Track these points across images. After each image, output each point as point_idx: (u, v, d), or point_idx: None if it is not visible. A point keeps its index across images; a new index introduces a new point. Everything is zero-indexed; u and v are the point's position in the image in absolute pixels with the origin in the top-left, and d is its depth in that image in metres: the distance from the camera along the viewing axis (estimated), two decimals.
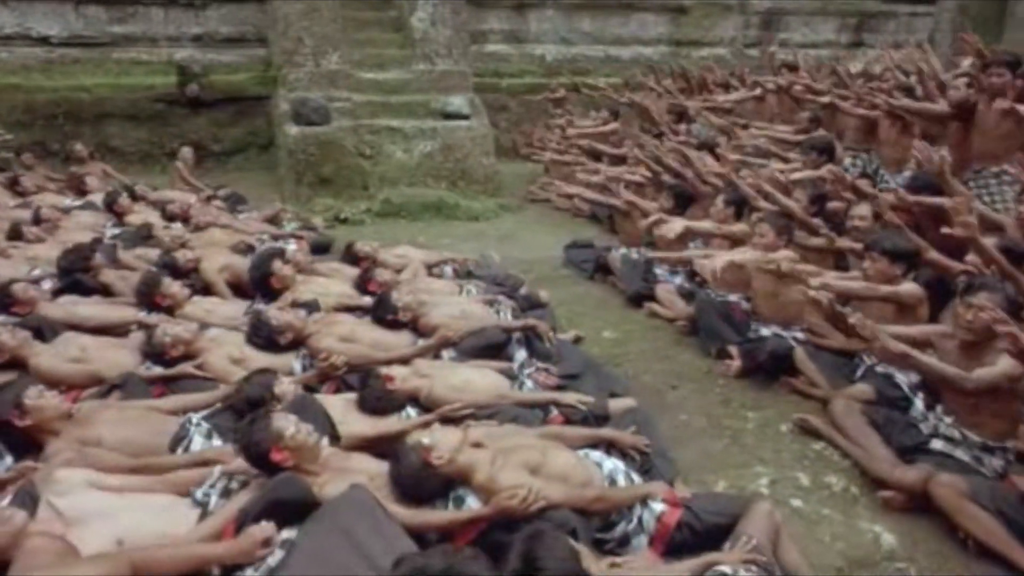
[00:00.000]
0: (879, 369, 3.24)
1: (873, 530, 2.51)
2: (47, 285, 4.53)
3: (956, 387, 2.52)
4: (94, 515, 2.04)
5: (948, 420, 2.81)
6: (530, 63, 12.74)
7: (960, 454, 2.71)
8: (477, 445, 2.33)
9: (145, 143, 10.25)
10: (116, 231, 6.00)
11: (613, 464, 2.50)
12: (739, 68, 9.07)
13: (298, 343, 3.45)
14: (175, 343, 3.27)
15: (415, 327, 3.68)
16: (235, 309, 4.22)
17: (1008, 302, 2.62)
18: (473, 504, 2.24)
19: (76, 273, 4.59)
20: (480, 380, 3.06)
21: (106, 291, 4.55)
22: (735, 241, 4.34)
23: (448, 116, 8.47)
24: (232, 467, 2.26)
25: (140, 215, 6.48)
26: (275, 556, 1.89)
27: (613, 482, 2.43)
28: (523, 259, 5.92)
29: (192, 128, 10.37)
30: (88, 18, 11.04)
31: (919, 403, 3.09)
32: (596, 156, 7.32)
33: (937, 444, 2.78)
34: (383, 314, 3.64)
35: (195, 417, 2.70)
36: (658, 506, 2.34)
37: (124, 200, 6.49)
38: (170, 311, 4.01)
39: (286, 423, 2.21)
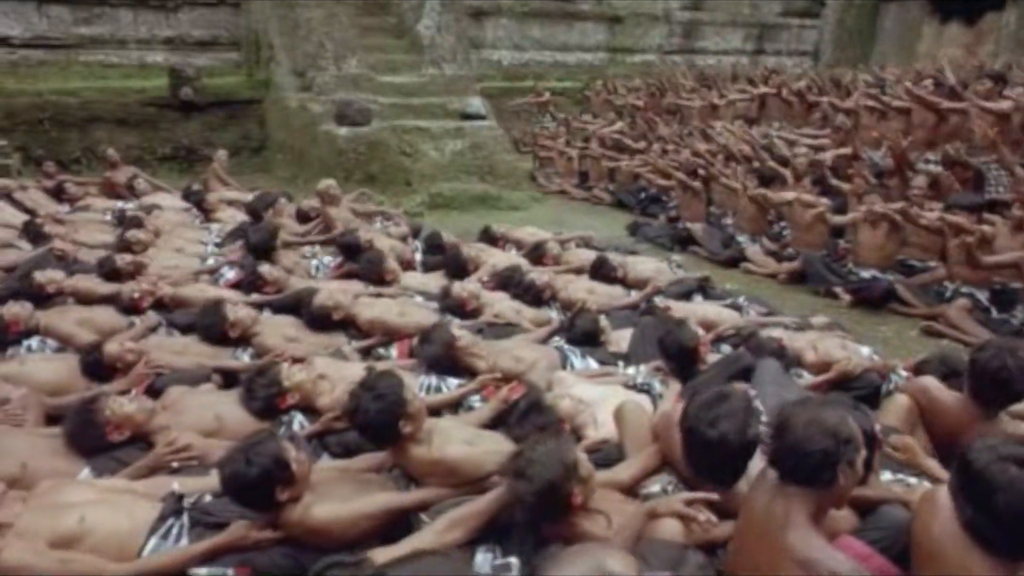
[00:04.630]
0: (964, 290, 4.63)
1: None
2: (231, 272, 5.00)
3: None
4: (599, 399, 2.85)
5: None
6: (489, 67, 13.68)
7: None
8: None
9: (135, 148, 10.05)
10: (216, 226, 6.33)
11: (866, 350, 3.64)
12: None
13: (552, 298, 4.29)
14: (470, 298, 4.01)
15: (623, 281, 4.63)
16: (433, 280, 4.91)
17: None
18: (808, 376, 3.29)
19: (262, 260, 5.08)
20: (724, 311, 4.10)
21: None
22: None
23: (467, 117, 9.27)
24: (649, 368, 3.15)
25: (227, 211, 6.82)
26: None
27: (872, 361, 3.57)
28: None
29: (183, 132, 10.34)
30: (52, 19, 10.67)
31: (994, 310, 4.53)
32: (620, 149, 8.47)
33: None
34: (606, 272, 4.57)
35: (561, 342, 3.53)
36: (903, 372, 3.50)
37: (213, 197, 6.79)
38: (389, 284, 4.67)
39: (697, 328, 3.14)
